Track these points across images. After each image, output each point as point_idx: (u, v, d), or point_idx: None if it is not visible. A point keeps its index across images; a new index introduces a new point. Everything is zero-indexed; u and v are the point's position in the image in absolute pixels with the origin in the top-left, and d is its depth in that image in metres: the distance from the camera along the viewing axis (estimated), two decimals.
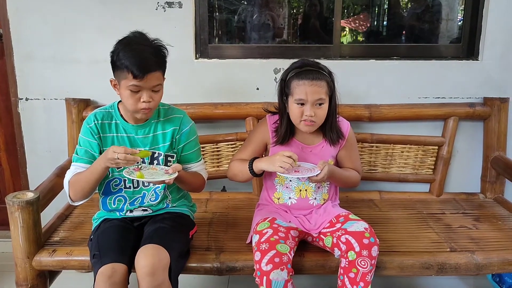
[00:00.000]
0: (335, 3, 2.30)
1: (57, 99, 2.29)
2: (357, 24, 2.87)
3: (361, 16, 2.87)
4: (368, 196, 2.29)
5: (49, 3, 2.20)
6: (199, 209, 2.02)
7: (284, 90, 1.71)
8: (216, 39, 2.53)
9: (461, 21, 2.43)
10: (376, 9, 2.88)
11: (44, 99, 2.30)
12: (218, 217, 2.08)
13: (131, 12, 2.21)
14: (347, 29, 2.80)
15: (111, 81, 1.59)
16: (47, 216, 1.99)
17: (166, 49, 1.58)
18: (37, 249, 1.71)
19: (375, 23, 2.86)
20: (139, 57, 1.49)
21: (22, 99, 2.30)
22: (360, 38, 2.75)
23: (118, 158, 1.44)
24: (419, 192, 2.34)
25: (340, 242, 1.59)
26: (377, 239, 1.58)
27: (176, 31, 2.23)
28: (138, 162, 1.53)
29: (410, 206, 2.20)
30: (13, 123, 2.35)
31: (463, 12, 2.36)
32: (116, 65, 1.53)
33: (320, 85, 1.63)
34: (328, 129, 1.75)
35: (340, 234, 1.60)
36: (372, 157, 2.30)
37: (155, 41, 1.57)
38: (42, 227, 1.87)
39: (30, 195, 1.70)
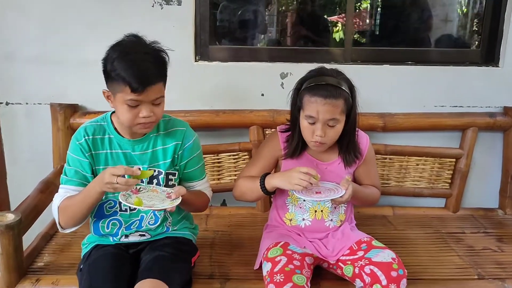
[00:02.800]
0: (347, 4, 2.13)
1: (41, 103, 2.08)
2: (367, 26, 2.73)
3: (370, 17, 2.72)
4: (380, 212, 2.13)
5: None
6: (199, 227, 1.83)
7: (297, 100, 1.54)
8: (218, 40, 2.33)
9: (480, 25, 2.29)
10: (390, 11, 2.73)
11: (27, 103, 2.09)
12: (221, 236, 1.90)
13: (125, 9, 2.00)
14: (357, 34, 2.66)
15: (103, 92, 1.39)
16: (29, 235, 1.78)
17: (166, 54, 1.39)
18: (19, 279, 1.52)
19: (389, 25, 2.71)
20: (138, 68, 1.29)
21: (1, 103, 2.08)
22: (369, 41, 2.59)
23: (117, 183, 1.25)
24: (434, 207, 2.20)
25: (363, 273, 1.42)
26: (405, 270, 1.41)
27: (174, 31, 2.03)
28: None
29: (426, 223, 2.06)
30: None
31: (483, 15, 2.21)
32: (110, 75, 1.33)
33: (335, 104, 1.46)
34: (344, 149, 1.59)
35: (364, 264, 1.43)
36: (385, 169, 2.14)
37: (153, 45, 1.38)
38: (23, 250, 1.67)
39: (10, 217, 1.49)
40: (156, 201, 1.36)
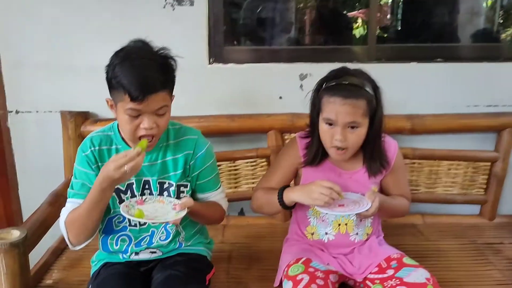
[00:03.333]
0: (370, 0, 1.99)
1: (51, 111, 2.01)
2: (389, 22, 2.58)
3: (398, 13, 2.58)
4: (409, 220, 1.99)
5: (40, 3, 1.91)
6: (215, 239, 1.72)
7: (316, 103, 1.42)
8: (235, 41, 2.22)
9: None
10: (413, 4, 2.57)
11: (37, 111, 2.02)
12: (238, 249, 1.79)
13: (135, 11, 1.92)
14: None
15: (107, 101, 1.30)
16: (39, 249, 1.71)
17: (174, 61, 1.29)
18: None
19: (412, 20, 2.55)
20: (138, 74, 1.19)
21: (11, 112, 2.02)
22: (392, 38, 2.44)
23: (126, 171, 1.16)
24: (468, 215, 2.05)
25: None
26: None
27: (186, 33, 1.94)
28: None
29: (460, 233, 1.91)
30: (2, 139, 2.07)
31: None
32: (111, 83, 1.23)
33: (356, 105, 1.33)
34: (369, 156, 1.45)
35: (394, 284, 1.30)
36: (414, 175, 2.00)
37: (161, 52, 1.27)
38: (32, 266, 1.60)
39: (15, 235, 1.41)
40: (160, 213, 1.25)
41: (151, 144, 1.29)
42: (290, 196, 1.40)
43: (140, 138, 1.26)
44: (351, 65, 1.44)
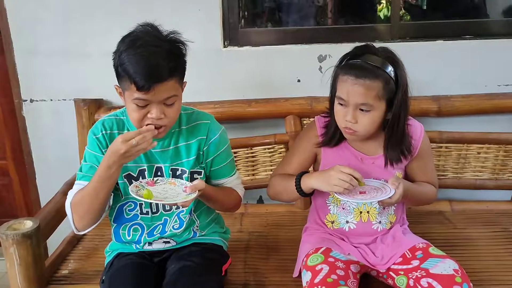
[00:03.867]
0: None
1: (65, 99, 1.99)
2: None
3: None
4: (436, 207, 1.89)
5: None
6: (232, 228, 1.68)
7: (335, 80, 1.34)
8: (248, 23, 2.14)
9: None
10: None
11: (51, 100, 2.00)
12: (256, 238, 1.74)
13: None
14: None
15: (116, 88, 1.25)
16: (56, 239, 1.70)
17: (184, 45, 1.22)
18: None
19: None
20: (144, 62, 1.12)
21: (26, 100, 2.01)
22: (416, 14, 2.30)
23: (136, 144, 1.13)
24: (499, 201, 1.95)
25: (419, 287, 1.21)
26: (471, 284, 1.19)
27: (200, 15, 1.88)
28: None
29: (491, 220, 1.81)
30: (18, 129, 2.06)
31: None
32: (117, 70, 1.18)
33: (369, 86, 1.23)
34: (387, 144, 1.36)
35: (420, 275, 1.22)
36: (441, 160, 1.90)
37: (170, 36, 1.20)
38: (49, 255, 1.59)
39: (28, 225, 1.39)
40: (169, 195, 1.21)
41: (161, 134, 1.24)
42: (308, 182, 1.33)
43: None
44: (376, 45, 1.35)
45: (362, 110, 1.26)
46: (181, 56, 1.21)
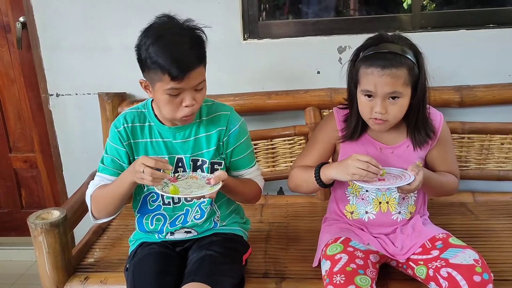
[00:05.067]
0: None
1: (90, 93, 2.04)
2: None
3: None
4: (458, 199, 1.87)
5: None
6: (253, 219, 1.71)
7: (353, 74, 1.34)
8: (267, 15, 2.14)
9: None
10: None
11: (76, 94, 2.05)
12: (276, 229, 1.76)
13: None
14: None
15: (140, 82, 1.28)
16: (83, 229, 1.76)
17: (203, 32, 1.24)
18: (67, 277, 1.47)
19: None
20: (176, 53, 1.16)
21: (52, 95, 2.06)
22: (438, 3, 2.26)
23: (143, 172, 1.15)
24: None
25: (439, 277, 1.21)
26: (491, 274, 1.18)
27: (219, 7, 1.89)
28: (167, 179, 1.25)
29: None
30: (45, 122, 2.13)
31: None
32: (146, 64, 1.20)
33: (396, 74, 1.23)
34: (413, 128, 1.36)
35: (439, 265, 1.22)
36: (463, 151, 1.88)
37: (188, 24, 1.23)
38: (75, 245, 1.64)
39: (55, 215, 1.45)
40: (194, 189, 1.23)
41: (190, 119, 1.28)
42: (327, 173, 1.33)
43: (180, 119, 1.25)
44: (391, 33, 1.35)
45: (392, 98, 1.27)
46: (203, 42, 1.24)
